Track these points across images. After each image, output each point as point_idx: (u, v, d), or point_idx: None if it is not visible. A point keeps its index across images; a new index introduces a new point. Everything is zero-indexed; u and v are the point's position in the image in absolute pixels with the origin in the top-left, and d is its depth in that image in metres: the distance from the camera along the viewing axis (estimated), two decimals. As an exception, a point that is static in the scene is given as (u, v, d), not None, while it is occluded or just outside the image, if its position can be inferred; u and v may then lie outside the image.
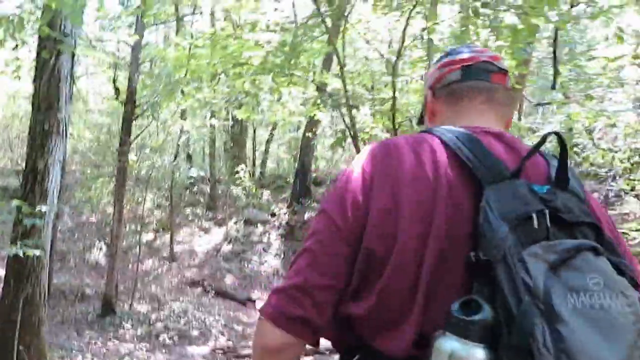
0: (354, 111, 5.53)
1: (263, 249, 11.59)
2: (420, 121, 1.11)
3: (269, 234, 12.15)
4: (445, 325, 0.74)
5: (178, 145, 10.70)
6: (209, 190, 14.18)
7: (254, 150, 16.65)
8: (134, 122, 7.91)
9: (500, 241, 0.74)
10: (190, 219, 13.12)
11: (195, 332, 7.33)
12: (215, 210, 13.52)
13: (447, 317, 0.74)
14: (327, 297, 0.85)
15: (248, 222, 12.43)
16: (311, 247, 0.88)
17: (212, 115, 12.91)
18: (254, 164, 16.20)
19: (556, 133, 0.87)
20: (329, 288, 0.85)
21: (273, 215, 12.77)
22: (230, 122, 13.80)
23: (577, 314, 0.67)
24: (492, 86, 1.00)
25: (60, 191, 5.31)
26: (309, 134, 11.66)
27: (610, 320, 0.68)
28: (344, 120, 5.42)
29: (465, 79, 1.00)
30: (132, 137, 7.82)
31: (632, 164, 7.76)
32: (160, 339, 6.97)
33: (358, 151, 4.40)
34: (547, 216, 0.77)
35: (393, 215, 0.83)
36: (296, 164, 13.53)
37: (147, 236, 11.68)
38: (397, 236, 0.82)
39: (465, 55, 1.02)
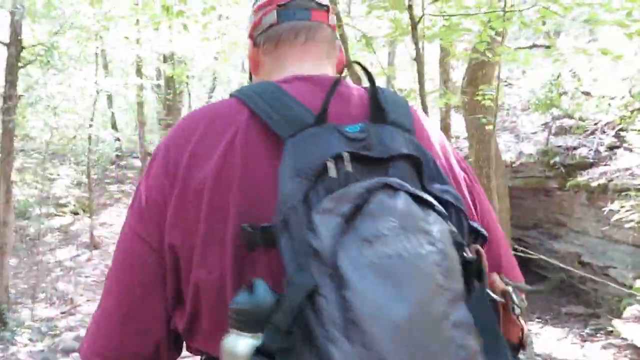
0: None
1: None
2: (251, 77, 0.97)
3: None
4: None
5: (94, 107, 8.71)
6: (139, 164, 12.37)
7: (191, 118, 14.79)
8: (21, 70, 5.98)
9: (282, 204, 0.63)
10: (116, 197, 11.27)
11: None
12: (147, 187, 11.73)
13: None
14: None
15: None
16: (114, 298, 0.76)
17: (139, 72, 10.99)
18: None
19: (359, 64, 0.82)
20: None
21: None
22: (161, 83, 11.83)
23: (368, 270, 0.58)
24: (312, 24, 0.88)
25: None
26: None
27: (405, 267, 0.59)
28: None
29: (282, 21, 0.88)
30: (20, 91, 5.90)
31: (631, 112, 6.73)
32: (70, 357, 5.26)
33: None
34: (347, 159, 0.67)
35: (187, 208, 0.71)
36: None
37: (63, 220, 9.77)
38: (194, 231, 0.70)
39: None
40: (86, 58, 7.91)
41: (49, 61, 6.04)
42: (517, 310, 0.69)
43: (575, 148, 7.26)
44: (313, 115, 0.72)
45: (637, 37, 3.14)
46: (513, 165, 7.69)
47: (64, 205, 10.19)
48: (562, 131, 7.83)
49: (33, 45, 5.89)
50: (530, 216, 8.66)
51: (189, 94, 14.68)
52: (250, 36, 0.92)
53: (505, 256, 0.84)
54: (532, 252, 5.05)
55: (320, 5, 0.90)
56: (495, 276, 0.72)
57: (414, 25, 2.72)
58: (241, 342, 0.59)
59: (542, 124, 8.65)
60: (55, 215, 9.86)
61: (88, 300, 6.64)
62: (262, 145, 0.72)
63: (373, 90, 0.76)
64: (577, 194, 7.10)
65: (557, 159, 7.16)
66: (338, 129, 0.70)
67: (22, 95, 6.00)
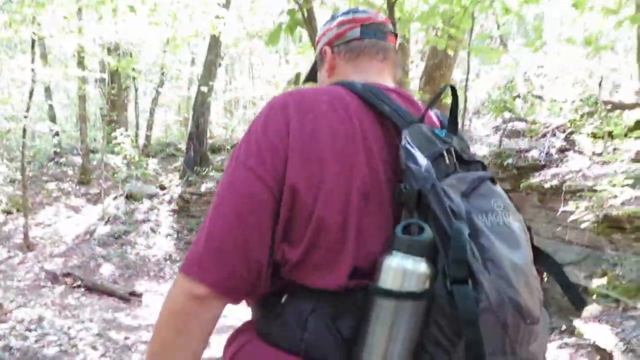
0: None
1: (151, 228, 9.48)
2: (308, 78, 1.18)
3: (158, 211, 10.02)
4: (393, 245, 0.81)
5: (30, 99, 8.08)
6: (80, 161, 11.65)
7: (137, 114, 14.12)
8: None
9: (427, 173, 0.82)
10: (55, 196, 10.56)
11: (52, 351, 5.19)
12: (88, 185, 11.15)
13: (394, 238, 0.81)
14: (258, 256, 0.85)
15: (131, 198, 10.16)
16: (231, 203, 0.85)
17: (81, 64, 10.34)
18: (137, 129, 13.67)
19: (451, 87, 0.97)
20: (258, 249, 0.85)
21: (162, 188, 10.62)
22: (104, 76, 11.19)
23: (489, 229, 0.81)
24: (387, 45, 1.08)
25: None
26: (205, 88, 9.55)
27: (512, 233, 0.83)
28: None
29: (364, 37, 1.07)
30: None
31: (581, 116, 6.88)
32: (-4, 367, 4.75)
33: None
34: (454, 154, 0.90)
35: (314, 158, 0.84)
36: (189, 127, 11.34)
37: (-6, 219, 9.03)
38: (322, 179, 0.83)
39: (362, 15, 1.08)
40: (20, 44, 7.31)
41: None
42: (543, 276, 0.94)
43: (527, 150, 7.35)
44: (412, 115, 0.92)
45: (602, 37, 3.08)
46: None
47: (-5, 204, 9.43)
48: (514, 134, 7.94)
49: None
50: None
51: (136, 89, 14.03)
52: (330, 44, 1.10)
53: None
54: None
55: (391, 31, 1.11)
56: None
57: (391, 4, 2.54)
58: (420, 265, 0.77)
59: (494, 127, 8.76)
60: (-15, 214, 9.12)
61: (20, 306, 6.08)
62: (376, 126, 0.90)
63: (455, 105, 0.96)
64: (528, 196, 7.18)
65: (509, 160, 7.23)
66: (432, 130, 0.91)
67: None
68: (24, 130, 8.06)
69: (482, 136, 8.50)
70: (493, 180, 0.90)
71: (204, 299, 0.81)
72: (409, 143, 0.85)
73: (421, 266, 0.77)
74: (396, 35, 1.11)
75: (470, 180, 0.86)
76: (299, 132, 0.85)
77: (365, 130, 0.88)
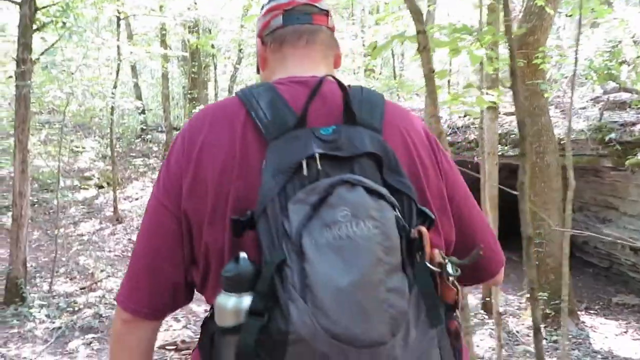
0: None
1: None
2: (259, 71, 1.12)
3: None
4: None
5: (116, 77, 8.38)
6: (164, 138, 12.09)
7: (216, 92, 14.42)
8: (37, 32, 5.64)
9: (262, 196, 0.78)
10: (141, 171, 11.05)
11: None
12: (172, 161, 11.49)
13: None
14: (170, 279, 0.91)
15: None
16: (144, 245, 0.92)
17: (163, 42, 10.62)
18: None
19: (332, 76, 0.91)
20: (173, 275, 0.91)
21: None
22: (186, 54, 11.45)
23: (325, 248, 0.73)
24: (313, 28, 1.01)
25: None
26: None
27: (353, 246, 0.73)
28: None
29: (287, 24, 1.01)
30: (35, 55, 5.57)
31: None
32: (84, 338, 4.99)
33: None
34: (317, 159, 0.81)
35: (197, 189, 0.87)
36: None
37: (87, 193, 9.58)
38: (204, 207, 0.85)
39: (284, 0, 1.02)
40: (107, 26, 7.54)
41: (64, 23, 5.67)
42: (451, 278, 0.82)
43: (634, 124, 6.59)
44: (297, 117, 0.85)
45: None
46: (561, 142, 7.07)
47: (89, 179, 10.01)
48: (618, 106, 7.15)
49: (47, 6, 5.53)
50: (576, 198, 8.04)
51: (215, 67, 14.29)
52: (259, 36, 1.04)
53: (481, 234, 1.00)
54: (581, 232, 4.55)
55: (321, 9, 1.02)
56: (436, 251, 0.83)
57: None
58: (229, 301, 0.76)
59: (592, 99, 7.96)
60: (81, 188, 9.69)
61: (109, 276, 6.39)
62: (254, 143, 0.86)
63: (344, 95, 0.87)
64: (634, 175, 6.47)
65: (612, 135, 6.52)
66: (313, 132, 0.84)
67: (37, 59, 5.66)
68: (112, 108, 8.39)
69: (577, 109, 7.74)
70: (351, 183, 0.78)
71: (130, 322, 0.92)
72: (266, 162, 0.81)
73: (227, 302, 0.75)
74: (327, 13, 1.03)
75: (321, 189, 0.78)
76: (187, 160, 0.88)
77: (247, 144, 0.86)
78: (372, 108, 0.90)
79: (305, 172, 0.79)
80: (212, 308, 0.84)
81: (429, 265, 0.79)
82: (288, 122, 0.84)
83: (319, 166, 0.80)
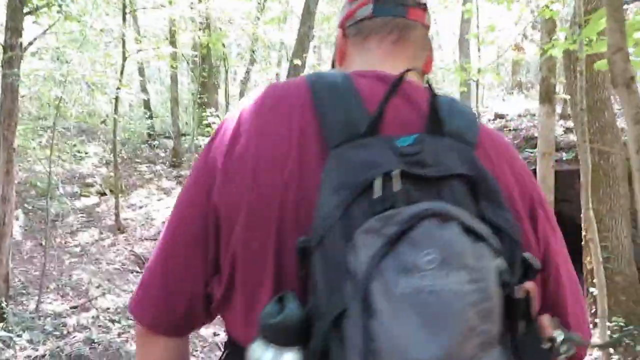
0: None
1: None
2: (334, 66, 0.95)
3: (249, 194, 9.47)
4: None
5: (121, 74, 7.75)
6: (172, 144, 11.49)
7: (227, 96, 13.81)
8: (28, 16, 5.00)
9: (321, 220, 0.62)
10: (147, 177, 10.41)
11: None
12: (179, 168, 11.03)
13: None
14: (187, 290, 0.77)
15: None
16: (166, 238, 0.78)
17: (172, 43, 10.02)
18: (227, 111, 13.36)
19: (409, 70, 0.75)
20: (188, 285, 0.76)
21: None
22: (196, 52, 10.86)
23: (402, 303, 0.54)
24: (407, 23, 0.86)
25: None
26: (299, 61, 8.77)
27: (440, 305, 0.54)
28: None
29: (377, 14, 0.86)
30: (24, 40, 4.92)
31: None
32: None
33: None
34: (396, 177, 0.63)
35: (237, 180, 0.72)
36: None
37: (88, 200, 8.91)
38: (239, 206, 0.70)
39: None
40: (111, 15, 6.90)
41: (60, 6, 5.02)
42: (562, 358, 0.64)
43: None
44: (369, 120, 0.69)
45: None
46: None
47: (90, 185, 9.36)
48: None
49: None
50: None
51: (226, 70, 13.70)
52: (342, 25, 0.91)
53: (571, 301, 0.76)
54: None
55: (419, 3, 0.88)
56: (546, 319, 0.64)
57: None
58: (266, 354, 0.60)
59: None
60: (81, 195, 9.04)
61: (105, 293, 5.66)
62: (313, 148, 0.70)
63: (431, 96, 0.71)
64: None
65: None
66: (389, 142, 0.67)
67: (30, 44, 5.00)
68: (116, 107, 7.78)
69: None
70: (445, 216, 0.58)
71: (146, 335, 0.80)
72: (327, 174, 0.64)
73: (267, 356, 0.59)
74: (425, 8, 0.86)
75: (403, 218, 0.57)
76: (230, 145, 0.73)
77: (304, 142, 0.70)
78: (463, 116, 0.73)
79: (377, 193, 0.61)
80: (230, 345, 0.74)
81: (540, 338, 0.61)
82: (358, 126, 0.68)
83: (398, 187, 0.61)
